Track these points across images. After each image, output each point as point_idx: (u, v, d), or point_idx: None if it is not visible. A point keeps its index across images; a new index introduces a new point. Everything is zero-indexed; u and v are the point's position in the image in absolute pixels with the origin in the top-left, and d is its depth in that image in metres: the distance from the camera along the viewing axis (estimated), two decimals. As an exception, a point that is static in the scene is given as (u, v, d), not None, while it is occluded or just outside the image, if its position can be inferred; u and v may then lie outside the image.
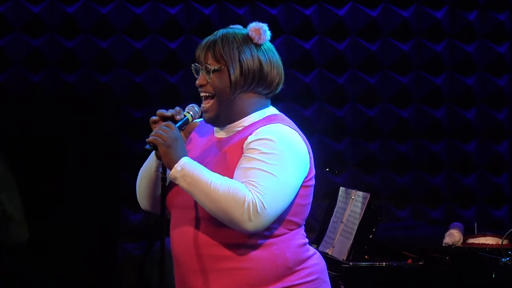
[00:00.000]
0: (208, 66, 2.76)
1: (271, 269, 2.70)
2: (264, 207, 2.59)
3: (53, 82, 5.88)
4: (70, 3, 5.91)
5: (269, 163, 2.63)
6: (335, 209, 4.51)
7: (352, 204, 4.35)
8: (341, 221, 4.38)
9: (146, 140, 2.69)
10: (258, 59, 2.76)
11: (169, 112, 2.76)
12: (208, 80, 2.76)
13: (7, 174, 4.03)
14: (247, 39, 2.77)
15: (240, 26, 2.87)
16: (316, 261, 2.81)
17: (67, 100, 5.84)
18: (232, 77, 2.73)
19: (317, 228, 4.79)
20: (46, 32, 5.87)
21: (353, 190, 4.42)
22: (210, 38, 2.79)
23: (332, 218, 4.50)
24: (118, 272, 5.89)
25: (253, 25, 2.78)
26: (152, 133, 2.70)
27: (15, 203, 4.01)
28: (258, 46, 2.77)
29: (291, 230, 2.75)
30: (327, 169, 6.15)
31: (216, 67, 2.75)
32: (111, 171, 5.79)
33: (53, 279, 5.55)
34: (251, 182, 2.61)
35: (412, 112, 6.32)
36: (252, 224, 2.60)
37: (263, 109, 2.80)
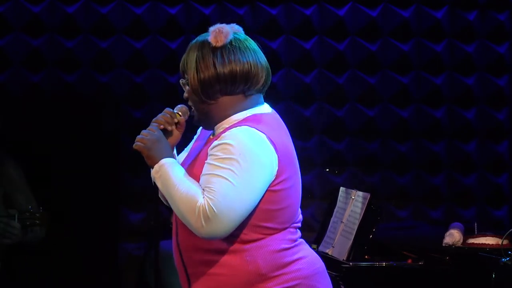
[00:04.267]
0: (182, 81, 2.79)
1: (242, 275, 2.68)
2: (215, 213, 2.56)
3: (53, 82, 5.88)
4: (70, 3, 5.91)
5: (224, 168, 2.59)
6: (335, 209, 4.51)
7: (352, 204, 4.35)
8: (341, 221, 4.38)
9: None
10: (213, 63, 2.69)
11: (161, 119, 2.79)
12: (185, 95, 2.78)
13: (22, 177, 4.08)
14: (205, 45, 2.71)
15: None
16: (300, 266, 2.73)
17: (67, 100, 5.84)
18: (190, 89, 2.73)
19: (317, 228, 4.79)
20: (46, 32, 5.87)
21: (353, 190, 4.42)
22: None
23: (332, 218, 4.50)
24: (118, 272, 5.89)
25: (211, 28, 2.73)
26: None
27: (32, 203, 4.08)
28: (216, 49, 2.70)
29: (268, 235, 2.69)
30: (327, 169, 6.15)
31: (184, 81, 2.77)
32: (111, 171, 5.79)
33: (53, 279, 5.55)
34: (207, 188, 2.60)
35: (412, 112, 6.32)
36: (205, 230, 2.58)
37: (246, 109, 2.74)
